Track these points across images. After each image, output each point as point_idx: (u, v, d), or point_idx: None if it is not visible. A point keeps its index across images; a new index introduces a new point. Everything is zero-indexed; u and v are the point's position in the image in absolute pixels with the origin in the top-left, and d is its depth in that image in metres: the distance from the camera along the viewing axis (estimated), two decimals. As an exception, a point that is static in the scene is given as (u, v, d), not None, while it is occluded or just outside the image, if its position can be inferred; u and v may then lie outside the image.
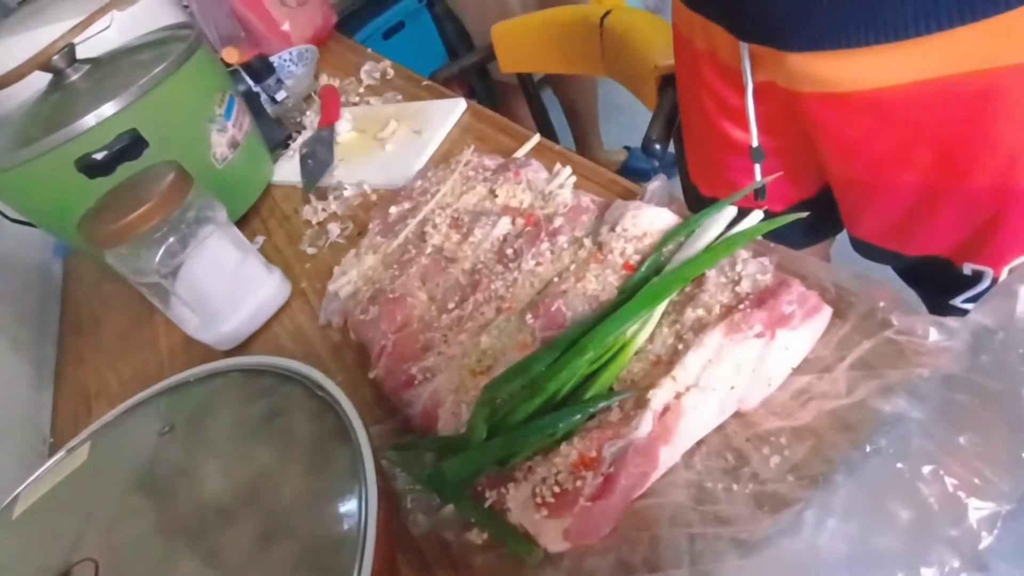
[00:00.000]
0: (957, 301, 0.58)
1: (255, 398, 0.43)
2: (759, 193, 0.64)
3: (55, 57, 0.71)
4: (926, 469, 0.29)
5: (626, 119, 1.59)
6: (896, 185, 0.53)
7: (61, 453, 0.45)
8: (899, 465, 0.30)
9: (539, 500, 0.36)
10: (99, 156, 0.66)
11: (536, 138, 0.68)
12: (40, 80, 0.74)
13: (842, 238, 0.79)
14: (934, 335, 0.33)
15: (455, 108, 0.79)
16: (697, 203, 0.77)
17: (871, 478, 0.31)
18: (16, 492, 0.42)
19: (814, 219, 0.64)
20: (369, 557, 0.33)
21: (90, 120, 0.65)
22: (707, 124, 0.66)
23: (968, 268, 0.55)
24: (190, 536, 0.36)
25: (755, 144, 0.59)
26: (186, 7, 1.17)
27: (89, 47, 0.75)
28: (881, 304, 0.36)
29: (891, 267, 0.63)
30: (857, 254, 0.65)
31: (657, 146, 0.73)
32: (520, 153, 0.66)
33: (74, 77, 0.73)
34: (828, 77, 0.48)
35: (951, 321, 0.33)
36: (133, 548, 0.35)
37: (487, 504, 0.38)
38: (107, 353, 0.75)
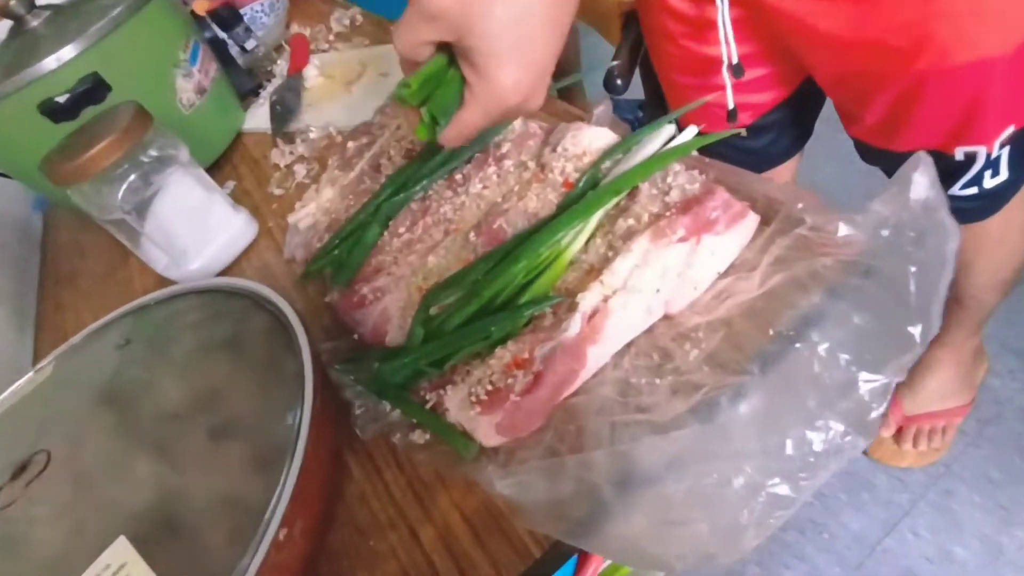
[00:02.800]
0: (955, 190, 0.59)
1: (211, 317, 0.45)
2: (731, 115, 0.65)
3: (13, 3, 0.71)
4: (822, 348, 0.31)
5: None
6: (880, 76, 0.54)
7: (29, 374, 0.47)
8: (798, 345, 0.31)
9: (474, 399, 0.38)
10: (62, 99, 0.66)
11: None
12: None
13: (806, 167, 0.80)
14: (843, 229, 0.34)
15: (419, 49, 0.79)
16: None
17: (776, 362, 0.33)
18: (-16, 410, 0.45)
19: (790, 121, 0.66)
20: (301, 450, 0.35)
21: (50, 63, 0.66)
22: (674, 47, 0.67)
23: (960, 152, 0.55)
24: (144, 437, 0.38)
25: (735, 60, 0.60)
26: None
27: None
28: (800, 206, 0.38)
29: (882, 170, 0.64)
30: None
31: (619, 81, 0.74)
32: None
33: (34, 23, 0.73)
34: None
35: (857, 216, 0.34)
36: (90, 446, 0.37)
37: (428, 406, 0.40)
38: (85, 297, 0.77)
